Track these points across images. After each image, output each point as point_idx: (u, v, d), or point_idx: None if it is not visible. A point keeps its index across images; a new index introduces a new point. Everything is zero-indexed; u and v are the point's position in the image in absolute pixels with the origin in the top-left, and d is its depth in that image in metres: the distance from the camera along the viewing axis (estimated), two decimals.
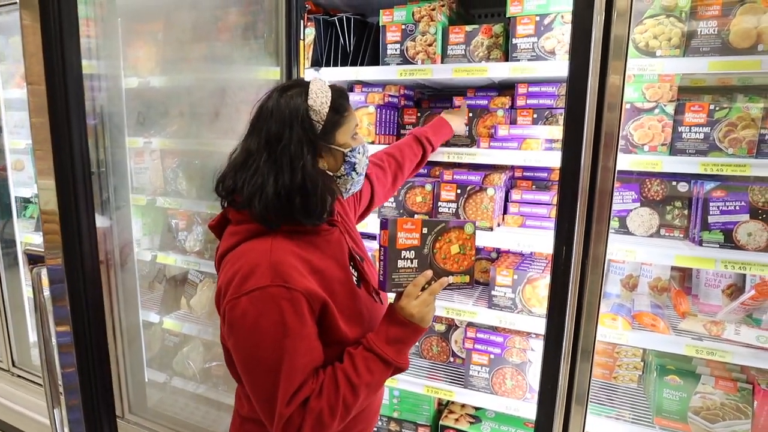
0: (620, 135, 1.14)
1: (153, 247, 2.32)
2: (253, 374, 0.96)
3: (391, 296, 1.10)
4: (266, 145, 0.99)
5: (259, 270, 0.94)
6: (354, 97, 1.89)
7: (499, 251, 2.00)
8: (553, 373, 1.26)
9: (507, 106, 1.83)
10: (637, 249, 1.48)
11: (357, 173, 1.10)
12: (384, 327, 1.03)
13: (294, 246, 1.00)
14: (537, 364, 1.64)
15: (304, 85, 1.03)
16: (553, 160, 1.60)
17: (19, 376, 2.60)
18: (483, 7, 2.08)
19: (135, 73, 2.01)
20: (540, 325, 1.63)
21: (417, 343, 1.89)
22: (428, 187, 1.83)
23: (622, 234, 1.67)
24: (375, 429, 1.60)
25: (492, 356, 1.74)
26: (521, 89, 1.78)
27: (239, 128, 1.08)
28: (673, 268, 1.83)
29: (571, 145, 1.17)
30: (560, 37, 1.59)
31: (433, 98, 2.21)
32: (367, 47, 1.90)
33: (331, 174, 1.07)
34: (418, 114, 1.93)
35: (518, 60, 1.65)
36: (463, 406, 2.02)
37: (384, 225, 1.04)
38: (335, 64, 1.91)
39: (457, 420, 1.94)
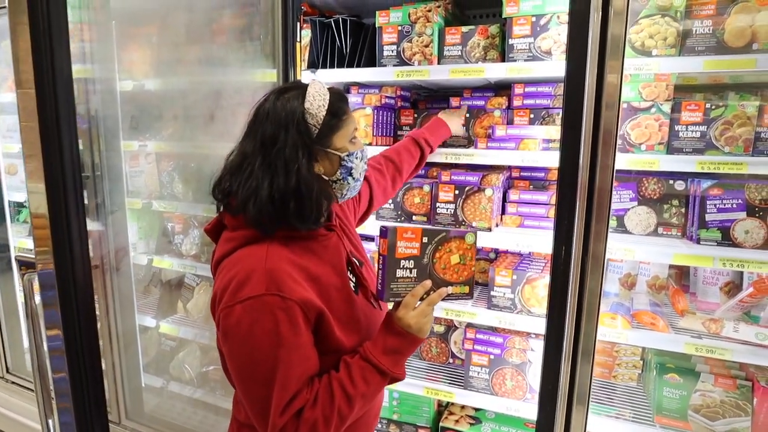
0: (618, 134, 1.14)
1: (149, 250, 2.30)
2: (247, 383, 0.96)
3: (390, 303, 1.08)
4: (261, 148, 0.98)
5: (254, 277, 0.93)
6: (351, 99, 1.88)
7: (497, 251, 2.00)
8: (554, 375, 1.26)
9: (504, 107, 1.83)
10: (635, 248, 1.48)
11: (353, 178, 1.07)
12: (381, 337, 1.02)
13: (290, 253, 0.99)
14: (537, 364, 1.63)
15: (302, 88, 1.02)
16: (551, 159, 1.61)
17: (13, 382, 2.57)
18: (478, 8, 2.08)
19: (130, 76, 2.00)
20: (540, 325, 1.63)
21: None
22: (426, 188, 1.83)
23: (620, 233, 1.67)
24: None
25: (492, 357, 1.74)
26: (518, 89, 1.79)
27: (235, 131, 1.07)
28: (670, 266, 1.83)
29: (569, 143, 1.17)
30: (556, 37, 1.60)
31: (430, 99, 2.21)
32: (363, 49, 1.89)
33: (326, 178, 1.05)
34: (415, 115, 1.92)
35: (515, 60, 1.65)
36: (463, 407, 2.01)
37: (384, 233, 1.02)
38: (332, 66, 1.90)
39: (457, 421, 1.93)
